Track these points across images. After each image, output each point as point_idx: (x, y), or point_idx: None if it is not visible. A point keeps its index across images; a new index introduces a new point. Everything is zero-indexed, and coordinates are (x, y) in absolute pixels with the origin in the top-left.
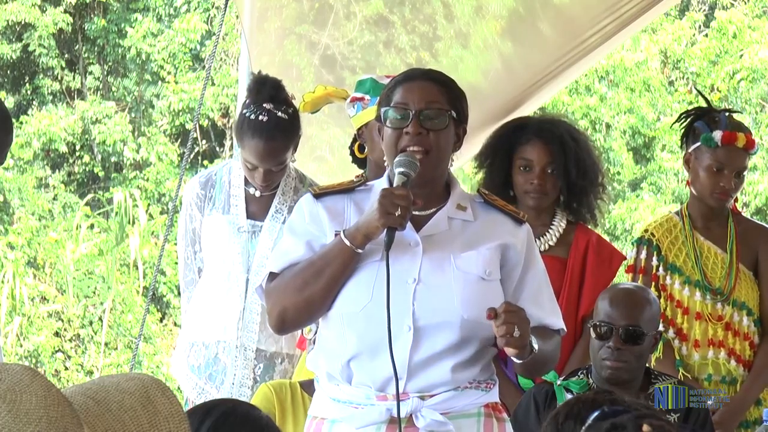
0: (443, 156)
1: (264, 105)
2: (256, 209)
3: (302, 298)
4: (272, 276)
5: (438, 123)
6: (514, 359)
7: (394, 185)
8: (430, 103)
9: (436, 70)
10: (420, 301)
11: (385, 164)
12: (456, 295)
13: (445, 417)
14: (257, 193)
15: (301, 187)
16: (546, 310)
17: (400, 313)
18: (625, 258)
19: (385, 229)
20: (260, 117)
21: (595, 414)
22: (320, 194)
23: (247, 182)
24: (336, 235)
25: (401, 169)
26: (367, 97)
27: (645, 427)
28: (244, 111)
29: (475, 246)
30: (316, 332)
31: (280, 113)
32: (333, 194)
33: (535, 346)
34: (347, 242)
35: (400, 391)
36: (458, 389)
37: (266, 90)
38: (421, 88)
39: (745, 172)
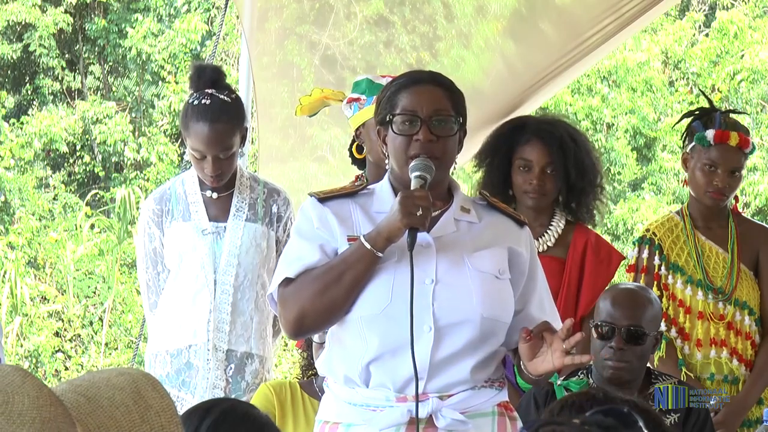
0: (450, 161)
1: (206, 90)
2: (217, 211)
3: (323, 303)
4: (285, 282)
5: (447, 130)
6: (540, 375)
7: (412, 188)
8: (438, 110)
9: (436, 72)
10: (439, 301)
11: (386, 166)
12: (474, 293)
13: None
14: (214, 195)
15: (257, 186)
16: (548, 313)
17: (420, 313)
18: (623, 257)
19: (407, 230)
20: (203, 101)
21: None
22: (325, 198)
23: (202, 187)
24: (349, 239)
25: (418, 173)
26: (363, 97)
27: None
28: (188, 99)
29: (485, 246)
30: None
31: (222, 96)
32: (337, 198)
33: None
34: (368, 246)
35: (420, 391)
36: (475, 388)
37: (207, 75)
38: (429, 94)
39: (742, 171)
